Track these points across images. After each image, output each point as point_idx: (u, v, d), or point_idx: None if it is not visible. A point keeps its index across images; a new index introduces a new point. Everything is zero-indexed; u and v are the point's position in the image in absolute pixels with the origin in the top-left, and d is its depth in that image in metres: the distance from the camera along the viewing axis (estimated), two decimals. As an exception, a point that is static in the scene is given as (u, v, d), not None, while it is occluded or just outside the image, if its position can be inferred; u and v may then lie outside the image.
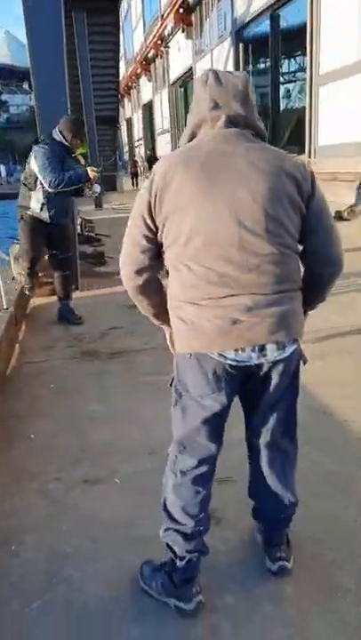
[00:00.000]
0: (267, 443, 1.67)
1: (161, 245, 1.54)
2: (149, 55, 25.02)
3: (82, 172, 4.16)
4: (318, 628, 1.57)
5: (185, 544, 1.63)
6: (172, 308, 1.55)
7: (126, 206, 11.44)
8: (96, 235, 9.01)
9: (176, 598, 1.66)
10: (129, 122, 37.25)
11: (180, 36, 19.69)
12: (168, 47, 22.08)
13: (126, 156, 37.80)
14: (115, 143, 21.92)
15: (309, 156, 10.72)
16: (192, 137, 1.60)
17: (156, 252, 1.55)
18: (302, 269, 1.61)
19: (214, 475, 1.68)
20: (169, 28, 20.78)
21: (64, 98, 4.99)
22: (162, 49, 22.51)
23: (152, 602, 1.70)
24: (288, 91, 13.83)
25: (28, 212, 4.23)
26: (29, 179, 4.18)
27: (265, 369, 1.53)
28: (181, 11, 18.16)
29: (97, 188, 4.53)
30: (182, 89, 21.88)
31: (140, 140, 32.79)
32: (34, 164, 4.09)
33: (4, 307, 4.34)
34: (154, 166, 1.58)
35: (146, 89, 28.80)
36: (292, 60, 13.82)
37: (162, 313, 1.64)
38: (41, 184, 4.08)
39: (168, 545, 1.67)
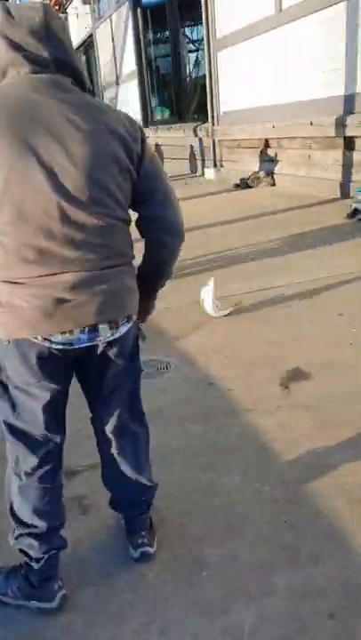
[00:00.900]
0: (114, 428, 1.57)
1: None
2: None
3: None
4: (177, 611, 1.51)
5: (41, 546, 1.50)
6: None
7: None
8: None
9: (37, 599, 1.55)
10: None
11: (77, 2, 18.82)
12: (66, 13, 21.06)
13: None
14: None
15: (213, 124, 10.64)
16: None
17: None
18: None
19: (62, 465, 1.56)
20: (66, -7, 19.81)
21: None
22: (60, 15, 21.46)
23: (10, 608, 1.58)
24: (194, 60, 13.66)
25: None
26: None
27: (99, 351, 1.41)
28: (76, -27, 17.32)
29: None
30: (85, 57, 21.03)
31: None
32: None
33: None
34: None
35: (48, 58, 27.49)
36: (194, 27, 13.61)
37: None
38: None
39: (22, 550, 1.55)
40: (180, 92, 13.41)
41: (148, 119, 14.73)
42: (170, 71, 13.78)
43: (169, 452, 2.19)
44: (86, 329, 1.34)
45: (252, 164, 9.35)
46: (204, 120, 11.17)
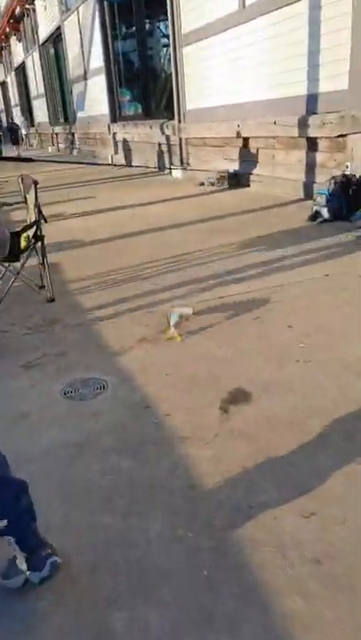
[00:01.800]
0: None
1: None
2: (17, 13, 23.20)
3: None
4: None
5: None
6: None
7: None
8: None
9: None
10: (3, 86, 34.78)
11: (44, -8, 18.38)
12: (34, 4, 20.58)
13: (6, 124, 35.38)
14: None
15: (179, 121, 10.44)
16: None
17: None
18: None
19: None
20: (32, -17, 19.35)
21: None
22: (27, 6, 20.95)
23: None
24: (163, 56, 13.38)
25: None
26: None
27: None
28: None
29: None
30: (53, 49, 20.54)
31: (17, 105, 30.72)
32: None
33: None
34: None
35: (17, 50, 26.84)
36: (161, 23, 13.32)
37: None
38: None
39: None
40: (147, 87, 13.14)
41: (116, 115, 14.43)
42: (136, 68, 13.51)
43: (89, 491, 1.99)
44: None
45: (218, 163, 9.18)
46: (169, 117, 10.96)
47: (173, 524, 1.80)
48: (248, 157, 8.33)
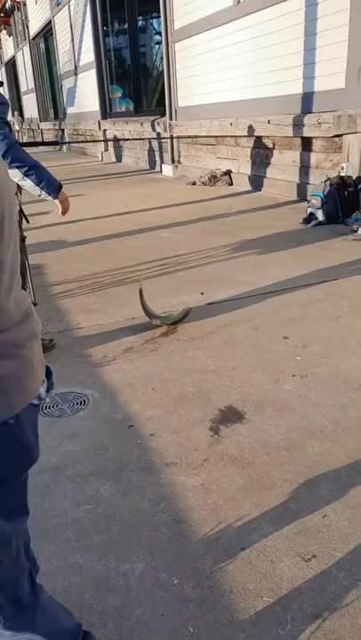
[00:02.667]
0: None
1: None
2: (7, 6, 22.83)
3: None
4: None
5: None
6: None
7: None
8: None
9: None
10: (-7, 81, 34.33)
11: (35, -15, 18.08)
12: (24, -2, 20.27)
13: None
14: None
15: (171, 118, 10.22)
16: None
17: None
18: None
19: None
20: (23, -24, 19.01)
21: None
22: (18, 0, 20.62)
23: None
24: (154, 53, 13.16)
25: None
26: None
27: None
28: None
29: None
30: (44, 44, 20.21)
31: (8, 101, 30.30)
32: None
33: None
34: None
35: (8, 45, 26.47)
36: (154, 20, 13.10)
37: None
38: None
39: None
40: (139, 84, 12.91)
41: (106, 111, 14.18)
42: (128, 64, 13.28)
43: (64, 525, 1.78)
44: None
45: (209, 162, 8.99)
46: (161, 114, 10.75)
47: (156, 567, 1.60)
48: (241, 157, 8.13)
